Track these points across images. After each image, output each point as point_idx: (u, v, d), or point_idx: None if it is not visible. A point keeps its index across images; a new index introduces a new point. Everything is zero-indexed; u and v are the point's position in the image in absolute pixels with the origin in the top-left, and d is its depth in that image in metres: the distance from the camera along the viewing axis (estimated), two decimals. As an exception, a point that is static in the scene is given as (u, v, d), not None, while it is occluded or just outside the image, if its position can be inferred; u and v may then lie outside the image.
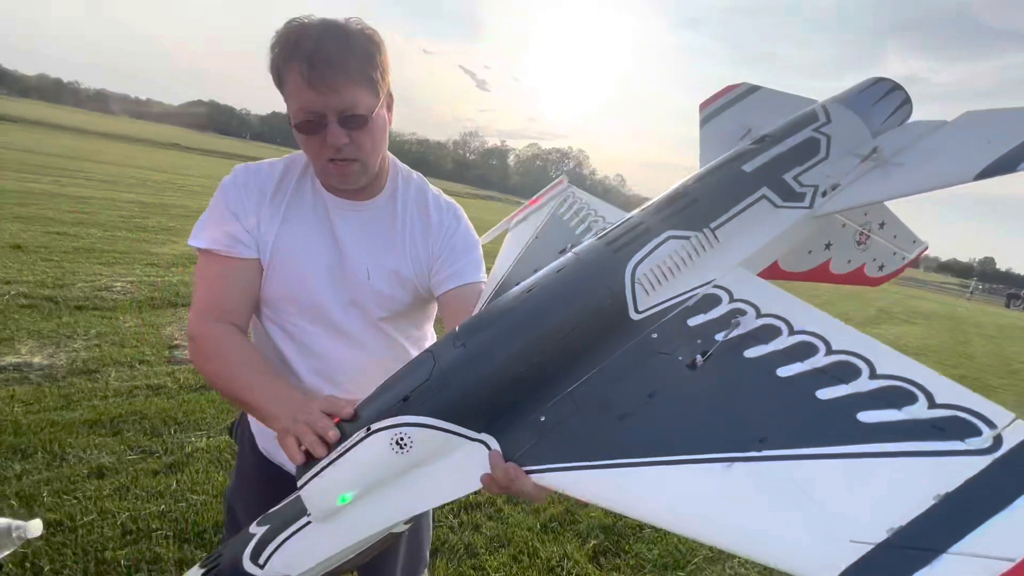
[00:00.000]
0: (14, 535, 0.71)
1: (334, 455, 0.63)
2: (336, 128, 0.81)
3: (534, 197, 1.21)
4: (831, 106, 0.90)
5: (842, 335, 0.56)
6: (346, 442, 0.63)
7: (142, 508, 1.99)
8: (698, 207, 0.76)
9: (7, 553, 0.72)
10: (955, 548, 0.38)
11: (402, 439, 0.62)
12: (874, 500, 0.44)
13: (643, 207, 0.82)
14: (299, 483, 0.64)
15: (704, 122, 1.11)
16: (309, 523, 0.64)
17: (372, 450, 0.62)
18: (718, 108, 1.12)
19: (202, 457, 2.37)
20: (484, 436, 0.64)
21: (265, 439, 1.03)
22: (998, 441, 0.43)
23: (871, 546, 0.41)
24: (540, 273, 0.75)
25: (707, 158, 0.98)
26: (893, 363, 0.52)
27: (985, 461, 0.42)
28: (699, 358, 0.59)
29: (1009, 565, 0.36)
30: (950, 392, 0.48)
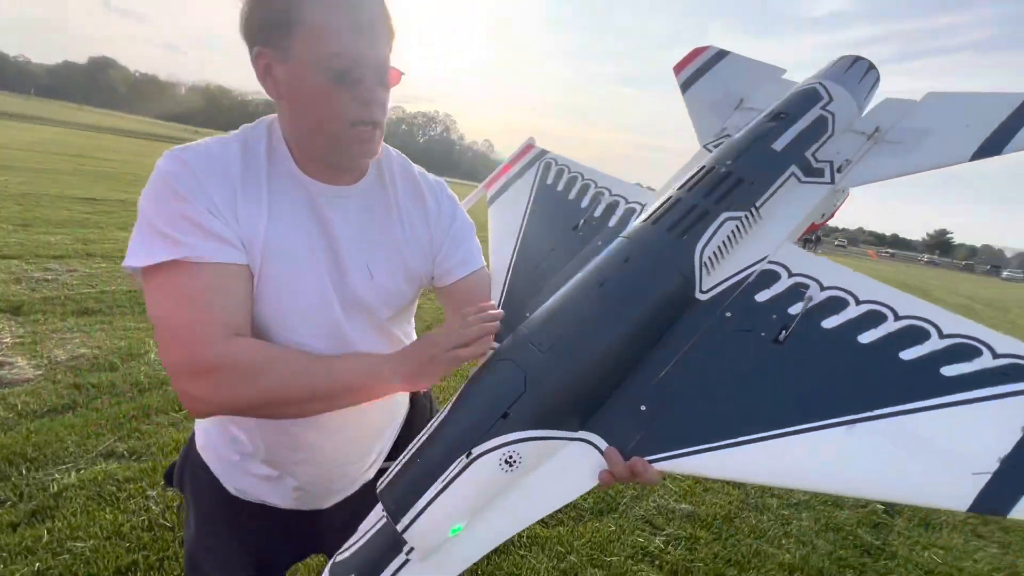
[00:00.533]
0: None
1: (437, 488, 0.56)
2: (375, 84, 0.69)
3: (506, 163, 1.14)
4: (828, 84, 0.95)
5: (903, 302, 0.64)
6: (446, 473, 0.57)
7: (7, 573, 1.60)
8: (744, 187, 0.78)
9: None
10: None
11: (511, 458, 0.58)
12: (977, 438, 0.52)
13: (682, 186, 0.82)
14: (399, 525, 0.57)
15: (684, 88, 1.13)
16: (409, 560, 0.58)
17: (481, 475, 0.58)
18: (694, 74, 1.14)
19: (76, 496, 1.96)
20: (582, 434, 0.63)
21: (236, 479, 0.88)
22: None
23: (990, 474, 0.50)
24: (601, 263, 0.73)
25: (700, 125, 1.02)
26: (953, 323, 0.61)
27: None
28: (783, 332, 0.64)
29: None
30: (1005, 343, 0.58)
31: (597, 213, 0.92)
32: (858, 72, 0.99)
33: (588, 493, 2.31)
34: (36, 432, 2.29)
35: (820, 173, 0.84)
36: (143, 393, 2.78)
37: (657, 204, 0.80)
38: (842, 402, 0.58)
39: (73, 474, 2.07)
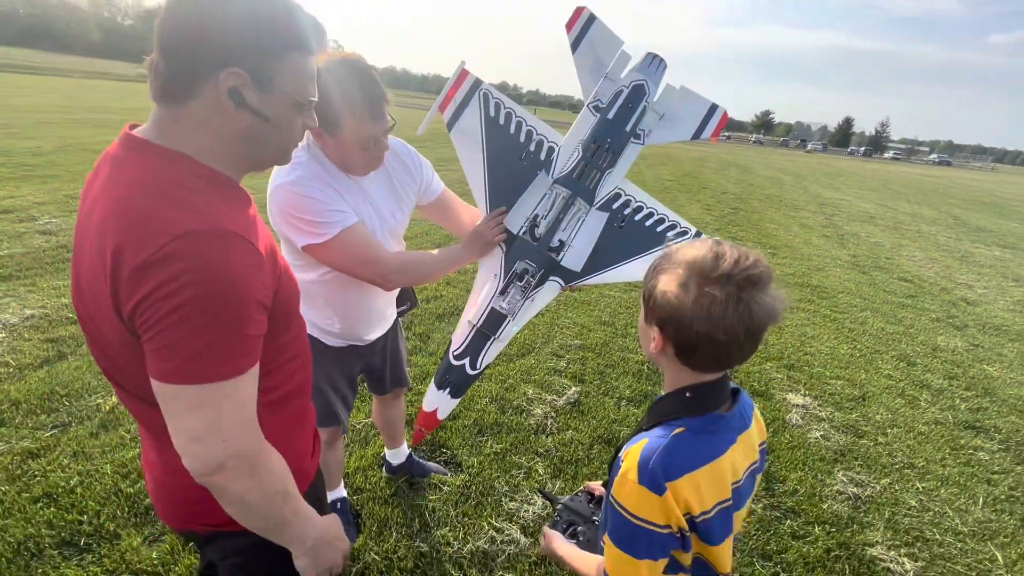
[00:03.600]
0: None
1: (508, 320, 1.42)
2: (383, 142, 1.32)
3: (450, 87, 1.54)
4: (648, 83, 1.54)
5: (655, 204, 1.53)
6: (509, 316, 1.42)
7: (115, 459, 2.16)
8: (614, 155, 1.53)
9: None
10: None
11: (533, 298, 1.45)
12: None
13: (588, 150, 1.50)
14: (495, 335, 1.42)
15: (573, 48, 1.58)
16: (493, 342, 1.44)
17: (523, 308, 1.44)
18: (577, 36, 1.57)
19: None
20: (552, 278, 1.48)
21: (333, 336, 1.59)
22: (692, 239, 1.47)
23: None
24: (559, 204, 1.47)
25: (583, 85, 1.58)
26: (663, 210, 1.52)
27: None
28: (623, 223, 1.50)
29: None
30: (678, 219, 1.50)
31: (532, 148, 1.54)
32: (661, 68, 1.60)
33: (514, 343, 3.34)
34: (47, 379, 2.63)
35: (639, 138, 1.56)
36: (121, 336, 3.12)
37: (575, 162, 1.51)
38: (643, 247, 1.49)
39: (112, 397, 2.54)
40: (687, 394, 0.83)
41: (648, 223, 1.53)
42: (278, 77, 0.75)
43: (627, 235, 1.51)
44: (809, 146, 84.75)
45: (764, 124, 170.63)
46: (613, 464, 0.86)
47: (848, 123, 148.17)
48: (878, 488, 2.50)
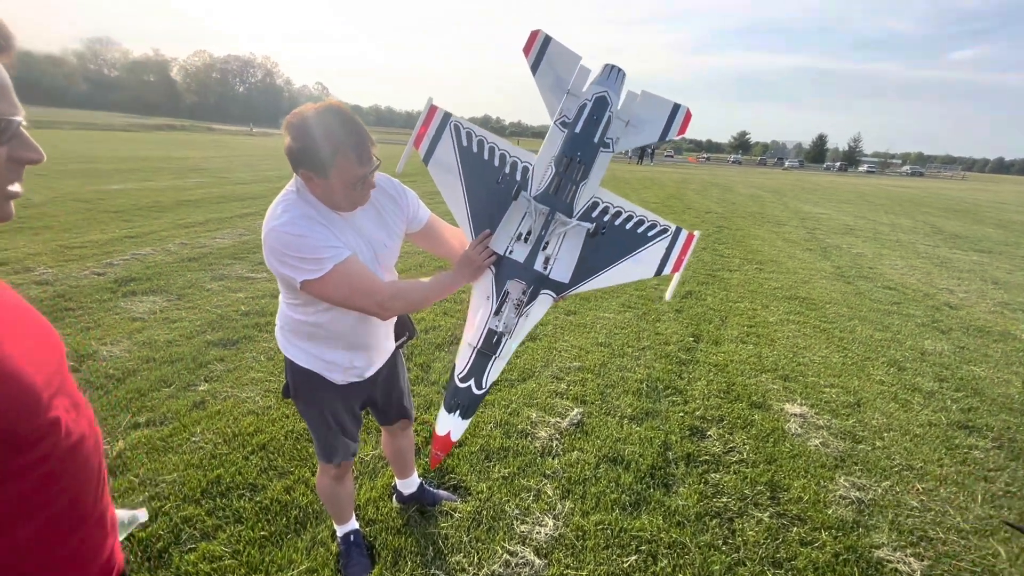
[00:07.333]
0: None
1: (507, 338, 1.47)
2: (371, 180, 1.39)
3: (421, 125, 1.58)
4: (610, 93, 1.56)
5: (632, 207, 1.59)
6: (513, 330, 1.47)
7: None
8: (585, 166, 1.58)
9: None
10: (670, 264, 1.54)
11: (527, 313, 1.50)
12: (653, 256, 1.54)
13: (560, 166, 1.55)
14: (495, 355, 1.47)
15: (533, 70, 1.61)
16: (495, 360, 1.49)
17: (518, 323, 1.49)
18: (536, 58, 1.61)
19: (146, 440, 2.47)
20: (544, 292, 1.53)
21: (338, 374, 1.64)
22: (672, 235, 1.56)
23: (656, 263, 1.53)
24: (540, 220, 1.53)
25: (547, 104, 1.61)
26: (640, 212, 1.59)
27: (668, 238, 1.56)
28: (604, 230, 1.57)
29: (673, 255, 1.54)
30: (657, 218, 1.58)
31: (507, 171, 1.57)
32: (620, 78, 1.62)
33: (511, 368, 3.39)
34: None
35: (608, 146, 1.57)
36: (124, 381, 3.13)
37: (550, 178, 1.57)
38: (624, 251, 1.56)
39: (119, 442, 2.54)
40: None
41: (628, 226, 1.58)
42: None
43: (611, 240, 1.56)
44: (787, 163, 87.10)
45: (742, 144, 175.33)
46: None
47: (822, 140, 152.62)
48: (879, 491, 2.55)
